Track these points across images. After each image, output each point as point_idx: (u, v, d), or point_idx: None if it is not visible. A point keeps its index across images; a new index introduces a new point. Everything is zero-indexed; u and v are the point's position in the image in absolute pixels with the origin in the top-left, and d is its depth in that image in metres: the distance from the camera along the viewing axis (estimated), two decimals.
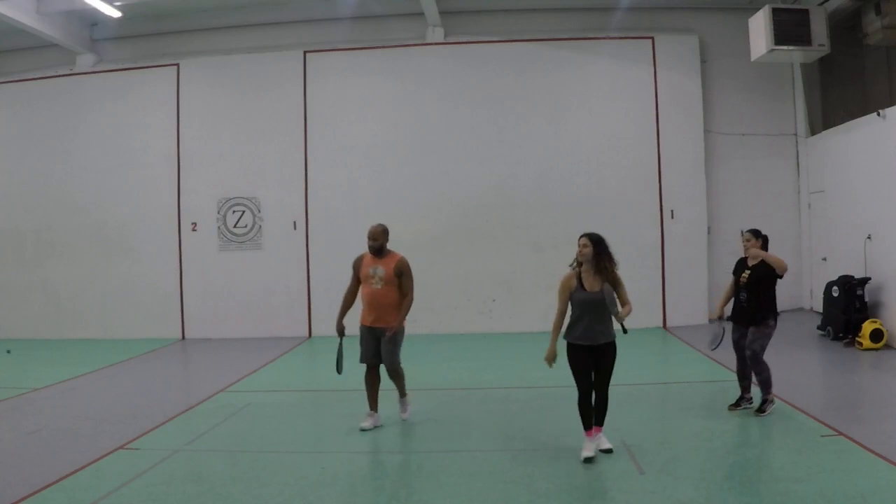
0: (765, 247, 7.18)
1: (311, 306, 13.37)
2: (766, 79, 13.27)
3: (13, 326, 13.58)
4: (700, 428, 6.69)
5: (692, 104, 13.14)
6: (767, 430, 6.58)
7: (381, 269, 6.94)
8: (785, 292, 9.48)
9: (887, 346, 10.12)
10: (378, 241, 7.01)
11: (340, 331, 7.01)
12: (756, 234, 7.18)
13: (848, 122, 11.66)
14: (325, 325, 12.26)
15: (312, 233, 13.37)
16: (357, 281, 7.06)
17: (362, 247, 7.13)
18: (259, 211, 13.54)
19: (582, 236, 5.98)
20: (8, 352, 9.54)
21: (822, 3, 11.52)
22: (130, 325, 13.47)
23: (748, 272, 7.08)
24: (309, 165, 13.43)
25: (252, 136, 13.48)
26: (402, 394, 7.27)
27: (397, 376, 7.12)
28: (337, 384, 8.01)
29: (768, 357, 6.95)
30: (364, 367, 7.06)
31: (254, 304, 13.46)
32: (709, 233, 13.12)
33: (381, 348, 6.93)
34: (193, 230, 13.61)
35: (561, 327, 5.85)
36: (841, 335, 10.62)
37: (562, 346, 5.84)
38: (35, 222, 13.95)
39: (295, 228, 13.43)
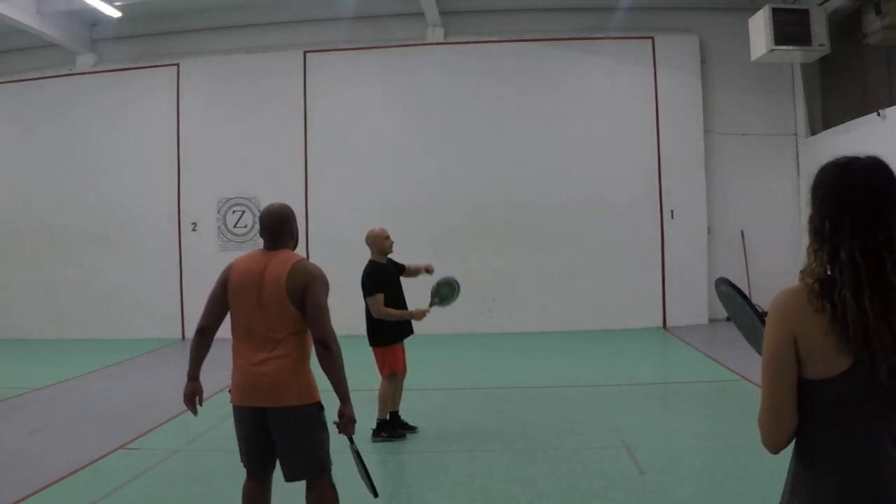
0: None
1: None
2: (766, 79, 13.24)
3: (13, 326, 13.57)
4: (700, 428, 6.69)
5: (692, 104, 13.12)
6: None
7: None
8: None
9: None
10: None
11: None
12: None
13: (848, 122, 11.64)
14: None
15: (312, 233, 13.36)
16: None
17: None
18: (259, 211, 13.52)
19: None
20: None
21: (822, 3, 11.52)
22: (130, 325, 13.45)
23: None
24: (309, 165, 13.42)
25: (252, 136, 13.45)
26: None
27: None
28: None
29: None
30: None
31: None
32: (709, 233, 13.11)
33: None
34: (193, 230, 13.60)
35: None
36: None
37: None
38: (35, 222, 13.92)
39: None
